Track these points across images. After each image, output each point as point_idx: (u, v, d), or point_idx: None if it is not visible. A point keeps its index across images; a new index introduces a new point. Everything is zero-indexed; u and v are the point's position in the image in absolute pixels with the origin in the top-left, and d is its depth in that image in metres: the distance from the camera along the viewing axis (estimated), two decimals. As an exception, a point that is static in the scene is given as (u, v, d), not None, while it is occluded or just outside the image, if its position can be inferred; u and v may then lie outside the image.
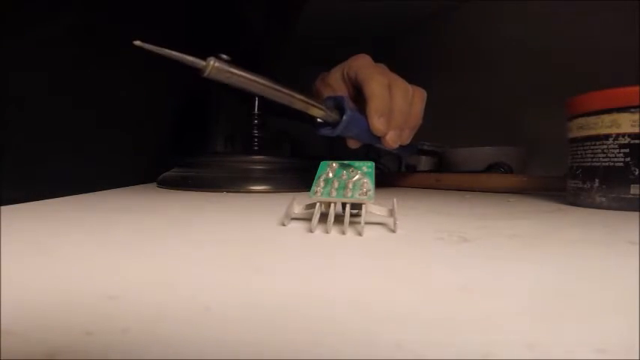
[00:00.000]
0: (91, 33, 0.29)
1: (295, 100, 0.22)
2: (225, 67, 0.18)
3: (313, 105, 0.24)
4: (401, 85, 0.30)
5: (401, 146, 0.31)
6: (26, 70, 0.25)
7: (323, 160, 0.17)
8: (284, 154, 0.33)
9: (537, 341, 0.06)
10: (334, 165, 0.16)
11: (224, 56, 0.18)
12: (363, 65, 0.30)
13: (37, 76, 0.26)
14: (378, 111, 0.28)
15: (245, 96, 0.37)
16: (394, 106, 0.29)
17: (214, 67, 0.17)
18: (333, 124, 0.28)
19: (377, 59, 0.31)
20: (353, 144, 0.32)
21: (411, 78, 0.31)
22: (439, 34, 0.80)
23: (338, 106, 0.27)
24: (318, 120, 0.28)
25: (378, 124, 0.28)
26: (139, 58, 0.34)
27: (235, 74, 0.18)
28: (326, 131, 0.28)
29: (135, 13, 0.33)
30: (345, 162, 0.16)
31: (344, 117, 0.27)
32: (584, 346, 0.06)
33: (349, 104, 0.27)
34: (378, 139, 0.30)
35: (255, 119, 0.36)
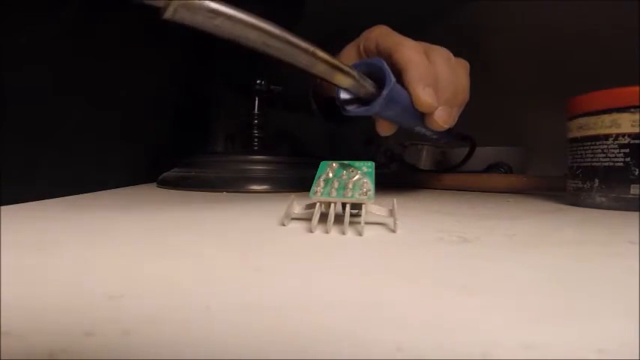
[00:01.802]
0: (90, 32, 0.29)
1: (317, 60, 0.15)
2: (202, 1, 0.11)
3: (341, 70, 0.17)
4: (440, 51, 0.23)
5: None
6: (25, 70, 0.25)
7: (323, 160, 0.17)
8: (284, 154, 0.33)
9: (537, 341, 0.06)
10: (334, 165, 0.16)
11: None
12: (384, 34, 0.24)
13: (37, 76, 0.26)
14: (422, 80, 0.21)
15: (246, 95, 0.37)
16: (439, 74, 0.22)
17: (181, 3, 0.11)
18: (365, 100, 0.20)
19: None
20: (386, 129, 0.24)
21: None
22: (439, 34, 0.80)
23: (371, 73, 0.20)
24: (342, 96, 0.21)
25: (425, 95, 0.21)
26: (139, 57, 0.34)
27: (220, 13, 0.12)
28: (358, 110, 0.21)
29: (133, 10, 0.33)
30: (345, 162, 0.16)
31: (384, 89, 0.19)
32: (584, 346, 0.06)
33: (389, 73, 0.20)
34: (420, 119, 0.23)
35: (255, 119, 0.36)
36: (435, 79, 0.22)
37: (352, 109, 0.21)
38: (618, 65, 0.44)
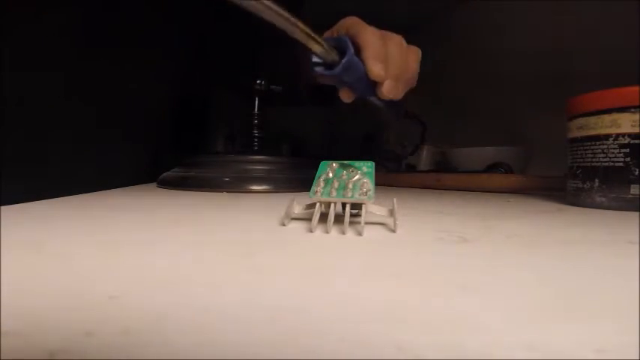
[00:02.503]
0: (91, 31, 0.29)
1: (296, 28, 0.22)
2: None
3: (314, 39, 0.24)
4: (394, 38, 0.30)
5: (392, 103, 0.31)
6: (25, 69, 0.25)
7: (323, 160, 0.17)
8: (284, 154, 0.33)
9: (537, 341, 0.06)
10: (334, 165, 0.16)
11: None
12: (353, 23, 0.31)
13: (37, 76, 0.26)
14: (375, 56, 0.28)
15: (246, 95, 0.37)
16: (389, 54, 0.29)
17: None
18: (331, 66, 0.27)
19: None
20: (346, 96, 0.31)
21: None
22: (439, 34, 0.80)
23: (338, 47, 0.27)
24: (314, 60, 0.27)
25: (376, 67, 0.28)
26: (139, 57, 0.34)
27: None
28: (324, 72, 0.28)
29: (133, 11, 0.33)
30: (345, 162, 0.16)
31: (345, 57, 0.27)
32: (584, 346, 0.06)
33: (351, 46, 0.27)
34: (374, 90, 0.30)
35: (255, 119, 0.36)
36: (385, 57, 0.29)
37: (319, 70, 0.28)
38: (618, 65, 0.44)
